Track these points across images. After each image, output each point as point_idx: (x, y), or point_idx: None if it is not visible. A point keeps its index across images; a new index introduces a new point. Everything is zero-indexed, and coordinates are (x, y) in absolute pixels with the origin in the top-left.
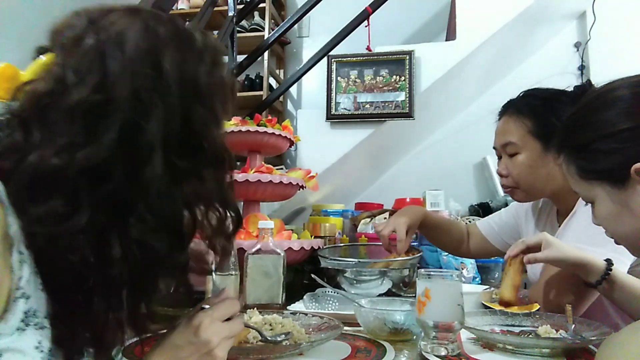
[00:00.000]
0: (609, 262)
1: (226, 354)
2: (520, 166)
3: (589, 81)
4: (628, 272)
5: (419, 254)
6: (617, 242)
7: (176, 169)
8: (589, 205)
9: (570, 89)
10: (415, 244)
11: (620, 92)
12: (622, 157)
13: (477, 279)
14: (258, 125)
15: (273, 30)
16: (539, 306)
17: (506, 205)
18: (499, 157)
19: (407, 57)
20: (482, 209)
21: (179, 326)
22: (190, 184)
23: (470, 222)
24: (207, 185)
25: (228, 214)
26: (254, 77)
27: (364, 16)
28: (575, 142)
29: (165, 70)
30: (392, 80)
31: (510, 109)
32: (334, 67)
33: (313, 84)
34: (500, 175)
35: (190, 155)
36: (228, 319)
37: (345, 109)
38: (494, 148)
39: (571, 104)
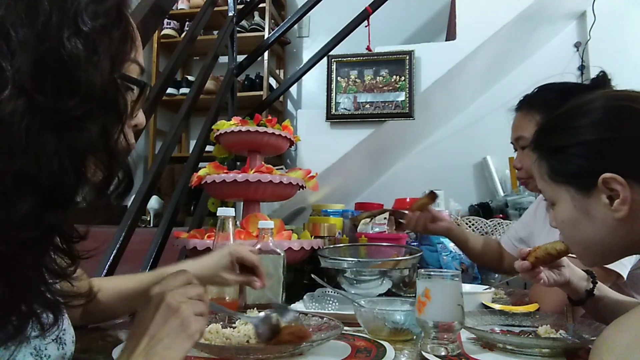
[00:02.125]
0: (592, 277)
1: (191, 313)
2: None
3: (603, 72)
4: (628, 275)
5: (419, 254)
6: (570, 248)
7: (47, 112)
8: None
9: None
10: (415, 244)
11: (601, 103)
12: (593, 165)
13: (477, 279)
14: (258, 125)
15: (273, 30)
16: (539, 306)
17: (506, 205)
18: (515, 151)
19: (407, 57)
20: (482, 209)
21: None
22: (67, 132)
23: (470, 222)
24: (89, 135)
25: (116, 172)
26: (254, 77)
27: (364, 16)
28: (551, 144)
29: None
30: (392, 80)
31: (524, 103)
32: (334, 67)
33: (313, 84)
34: (516, 167)
35: (66, 97)
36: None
37: (345, 109)
38: (511, 143)
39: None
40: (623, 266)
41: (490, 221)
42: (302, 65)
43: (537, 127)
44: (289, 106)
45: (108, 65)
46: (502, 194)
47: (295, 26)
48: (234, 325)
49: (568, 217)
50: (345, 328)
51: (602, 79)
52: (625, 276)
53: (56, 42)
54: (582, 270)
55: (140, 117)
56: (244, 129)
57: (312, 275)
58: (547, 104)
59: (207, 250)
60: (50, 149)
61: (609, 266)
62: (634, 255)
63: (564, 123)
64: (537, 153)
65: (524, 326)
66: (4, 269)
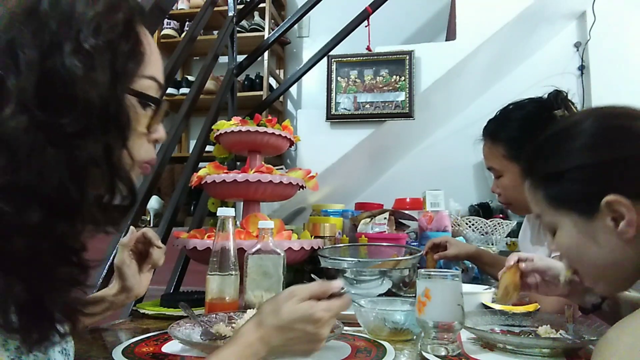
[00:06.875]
0: None
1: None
2: (505, 187)
3: (556, 91)
4: None
5: (419, 254)
6: (575, 272)
7: (47, 128)
8: None
9: (571, 89)
10: (415, 244)
11: (591, 123)
12: (594, 189)
13: (477, 279)
14: (258, 125)
15: (273, 30)
16: (539, 306)
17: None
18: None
19: (407, 57)
20: (482, 209)
21: (299, 309)
22: (67, 148)
23: (470, 222)
24: (88, 150)
25: (117, 186)
26: (254, 77)
27: (364, 16)
28: (545, 170)
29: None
30: (392, 80)
31: (486, 134)
32: (334, 67)
33: (313, 84)
34: (494, 192)
35: (64, 114)
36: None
37: (345, 109)
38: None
39: (547, 116)
40: None
41: (490, 221)
42: (302, 65)
43: (506, 158)
44: (289, 106)
45: (108, 81)
46: None
47: (295, 26)
48: (234, 324)
49: (573, 243)
50: (345, 328)
51: (555, 98)
52: None
53: (58, 61)
54: None
55: (160, 131)
56: (244, 129)
57: (312, 275)
58: (507, 135)
59: (207, 250)
60: (51, 163)
61: None
62: None
63: (555, 147)
64: (530, 179)
65: (524, 326)
66: (22, 278)
